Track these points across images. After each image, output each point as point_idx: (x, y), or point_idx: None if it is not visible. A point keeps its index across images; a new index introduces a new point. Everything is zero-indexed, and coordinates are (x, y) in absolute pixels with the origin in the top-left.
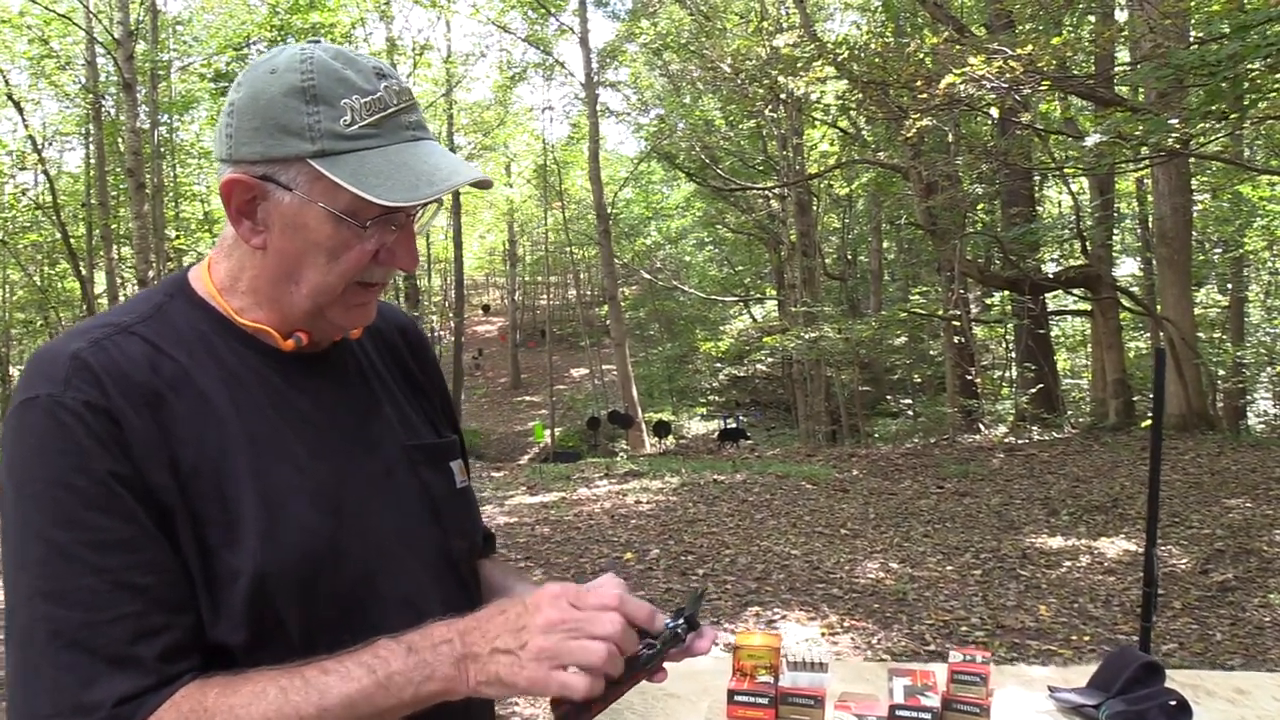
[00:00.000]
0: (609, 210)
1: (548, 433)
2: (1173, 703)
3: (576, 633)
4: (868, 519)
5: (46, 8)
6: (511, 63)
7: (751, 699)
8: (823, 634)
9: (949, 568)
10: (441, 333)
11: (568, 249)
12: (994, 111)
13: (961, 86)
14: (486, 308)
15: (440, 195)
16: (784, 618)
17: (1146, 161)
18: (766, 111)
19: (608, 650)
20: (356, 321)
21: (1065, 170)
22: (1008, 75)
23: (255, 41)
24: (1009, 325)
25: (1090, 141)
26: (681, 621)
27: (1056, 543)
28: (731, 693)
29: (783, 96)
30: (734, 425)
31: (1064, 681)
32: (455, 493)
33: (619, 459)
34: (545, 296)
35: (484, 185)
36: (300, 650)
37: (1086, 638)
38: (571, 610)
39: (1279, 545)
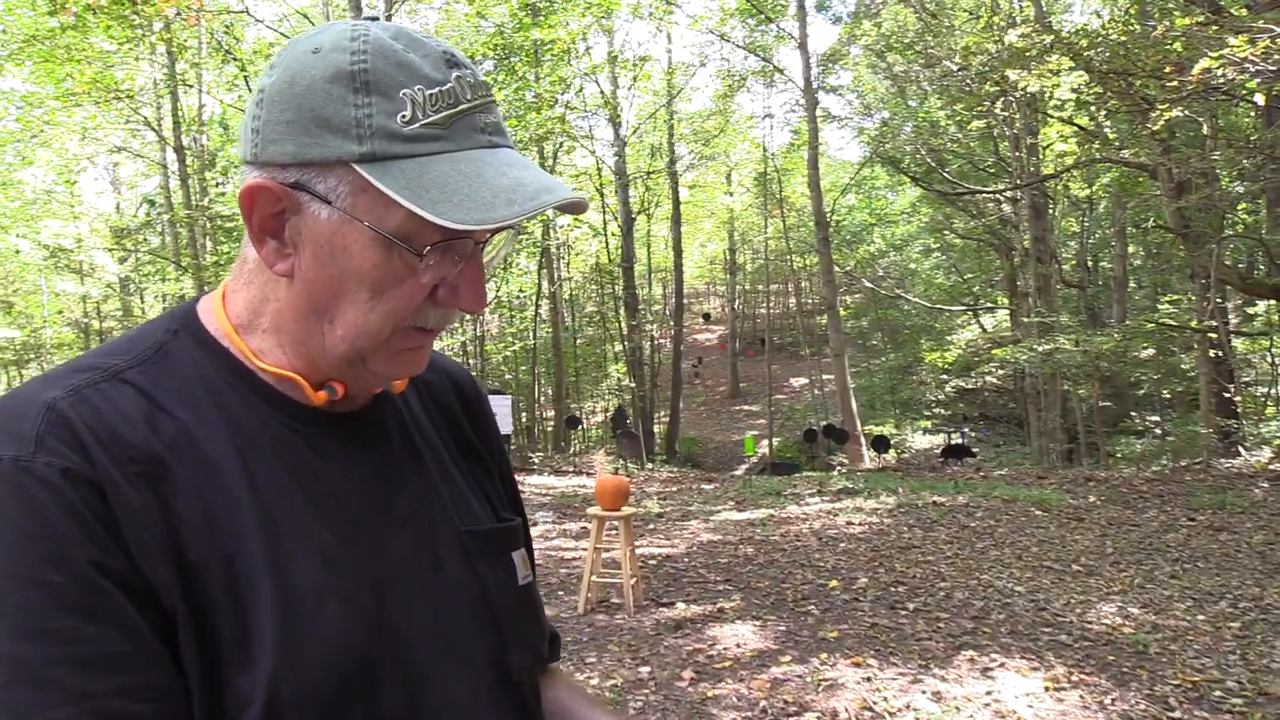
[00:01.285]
0: (829, 217)
1: (763, 444)
2: None
3: None
4: (1105, 554)
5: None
6: (731, 71)
7: None
8: (1047, 688)
9: (1200, 617)
10: (662, 341)
11: (788, 257)
12: (1259, 98)
13: (1219, 71)
14: (707, 316)
15: (522, 218)
16: (1002, 665)
17: None
18: (997, 109)
19: None
20: (404, 372)
21: None
22: (1276, 56)
23: (481, 60)
24: (1275, 337)
25: None
26: None
27: None
28: None
29: (1014, 93)
30: (959, 441)
31: None
32: (518, 592)
33: (835, 474)
34: (765, 305)
35: (578, 209)
36: None
37: None
38: None
39: None
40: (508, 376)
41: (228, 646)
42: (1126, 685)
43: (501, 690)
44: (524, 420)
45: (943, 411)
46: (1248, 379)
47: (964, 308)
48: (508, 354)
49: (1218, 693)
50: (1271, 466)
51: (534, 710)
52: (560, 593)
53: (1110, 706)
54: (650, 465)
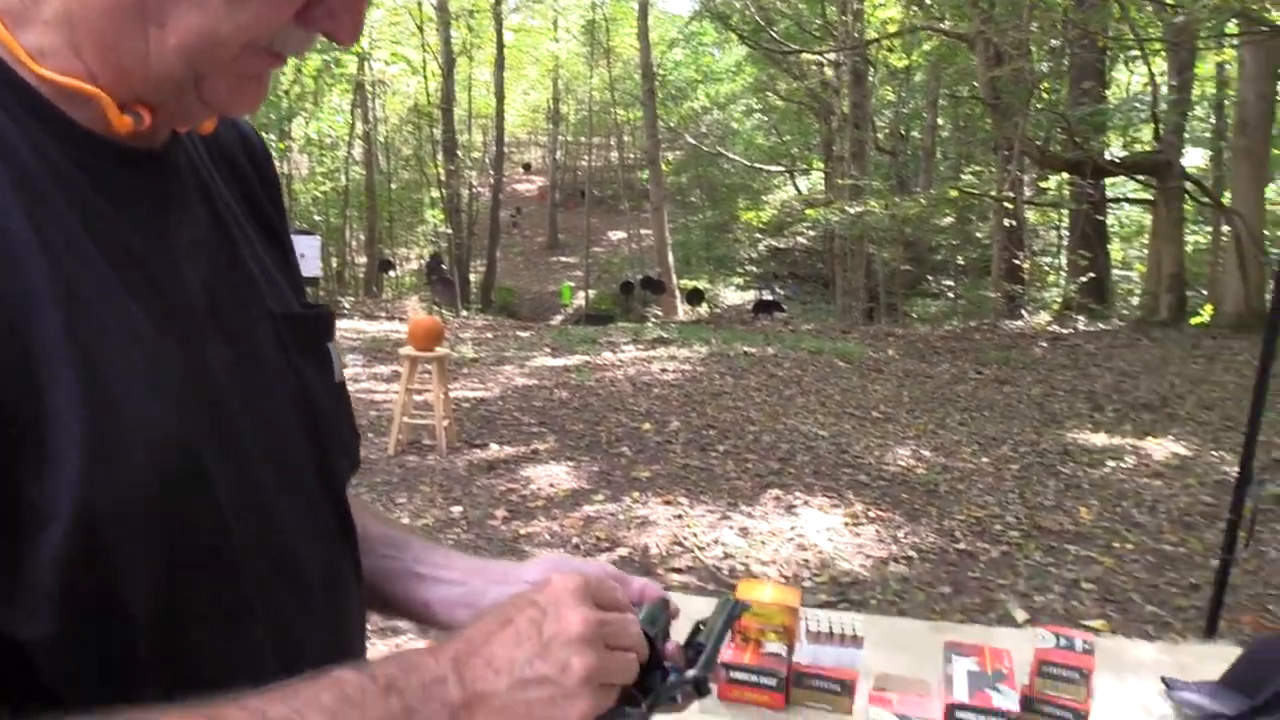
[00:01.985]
0: (656, 71)
1: (580, 295)
2: None
3: (618, 636)
4: (901, 402)
5: None
6: None
7: (755, 677)
8: (846, 523)
9: (984, 460)
10: (480, 189)
11: (612, 109)
12: None
13: None
14: (527, 166)
15: None
16: (805, 503)
17: (1236, 40)
18: None
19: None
20: (243, 105)
21: (1145, 46)
22: None
23: None
24: (1064, 210)
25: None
26: (689, 678)
27: (1100, 440)
28: (728, 666)
29: None
30: (770, 298)
31: (1180, 670)
32: (336, 389)
33: (649, 325)
34: (587, 157)
35: None
36: (154, 658)
37: (1130, 546)
38: (598, 611)
39: None
40: (317, 218)
41: (21, 447)
42: (918, 520)
43: (326, 505)
44: (334, 265)
45: (755, 269)
46: (1036, 248)
47: (781, 169)
48: (317, 194)
49: (998, 526)
50: (1050, 328)
51: (354, 535)
52: (370, 435)
53: (903, 539)
54: (465, 313)
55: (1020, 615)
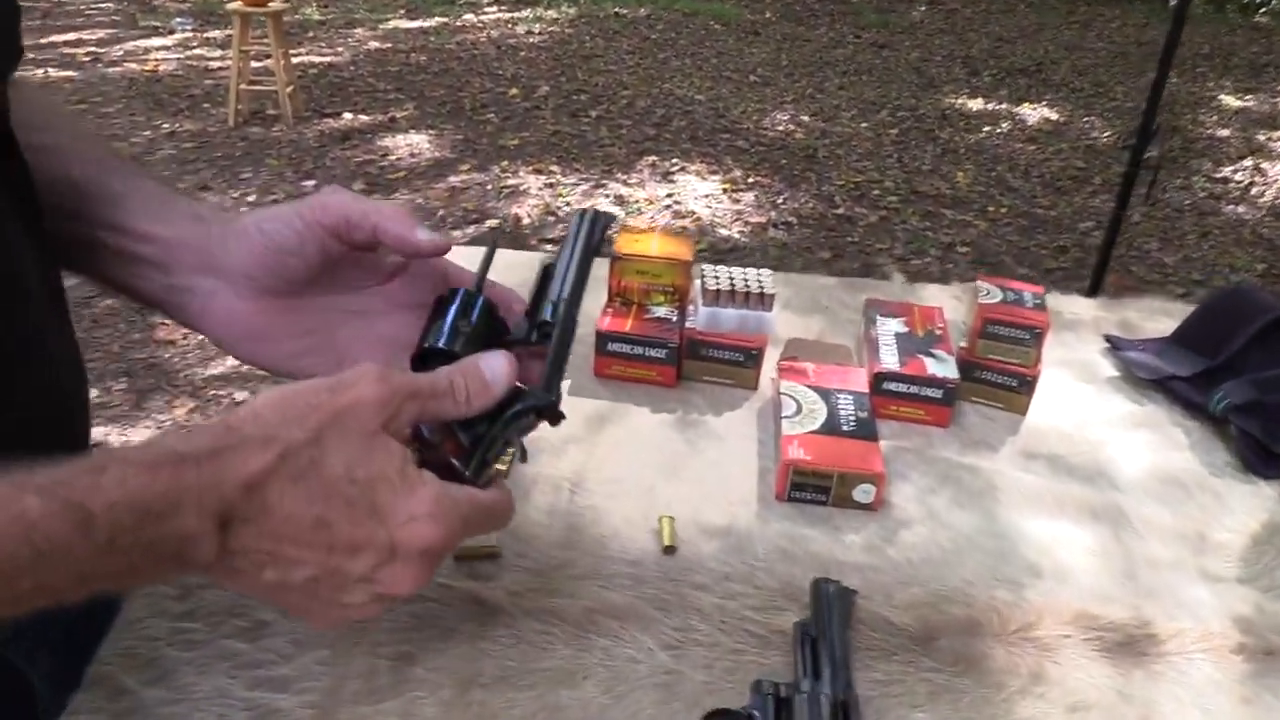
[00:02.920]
0: None
1: None
2: None
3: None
4: (779, 66)
5: None
6: None
7: (640, 349)
8: (724, 190)
9: (864, 125)
10: None
11: None
12: None
13: None
14: None
15: None
16: (682, 169)
17: None
18: None
19: None
20: None
21: None
22: None
23: None
24: None
25: None
26: (530, 407)
27: (976, 105)
28: (603, 336)
29: None
30: None
31: (1123, 328)
32: None
33: None
34: None
35: None
36: None
37: (1004, 210)
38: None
39: (1202, 125)
40: None
41: None
42: (797, 186)
43: None
44: None
45: None
46: None
47: None
48: None
49: (876, 191)
50: None
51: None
52: (205, 105)
53: (782, 205)
54: None
55: (898, 279)
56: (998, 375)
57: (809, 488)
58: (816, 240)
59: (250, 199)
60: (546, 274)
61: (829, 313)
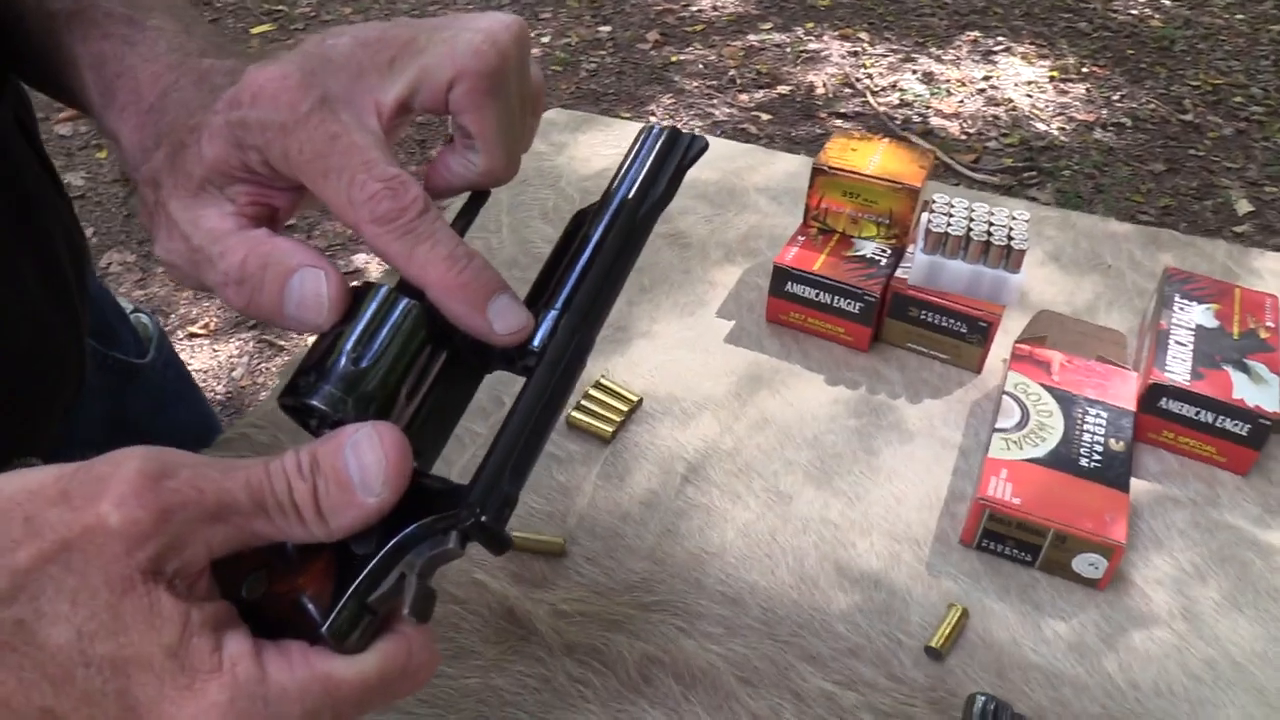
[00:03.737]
0: None
1: None
2: None
3: None
4: None
5: None
6: None
7: (828, 296)
8: (1052, 78)
9: (1239, 16)
10: None
11: None
12: None
13: None
14: None
15: None
16: (1007, 50)
17: None
18: None
19: None
20: None
21: None
22: None
23: None
24: None
25: None
26: (439, 532)
27: None
28: (783, 272)
29: None
30: None
31: None
32: None
33: None
34: None
35: None
36: None
37: None
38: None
39: None
40: None
41: None
42: (1140, 81)
43: None
44: None
45: None
46: None
47: None
48: None
49: (1239, 97)
50: None
51: None
52: None
53: (1117, 103)
54: None
55: (1244, 207)
56: None
57: (1010, 540)
58: (1151, 149)
59: (544, 39)
60: (568, 238)
61: (1111, 276)
